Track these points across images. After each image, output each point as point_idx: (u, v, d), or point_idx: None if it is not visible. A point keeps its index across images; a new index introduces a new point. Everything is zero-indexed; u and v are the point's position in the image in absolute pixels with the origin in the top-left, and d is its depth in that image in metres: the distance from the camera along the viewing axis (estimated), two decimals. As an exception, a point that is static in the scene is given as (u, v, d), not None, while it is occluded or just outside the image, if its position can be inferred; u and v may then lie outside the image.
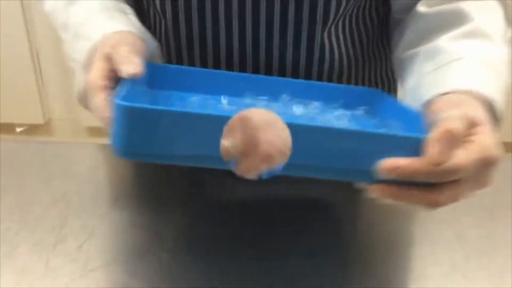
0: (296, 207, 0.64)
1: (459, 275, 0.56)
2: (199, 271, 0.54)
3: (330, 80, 0.66)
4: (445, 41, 0.54)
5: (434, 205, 0.41)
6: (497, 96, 0.48)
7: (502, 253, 0.60)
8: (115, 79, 0.47)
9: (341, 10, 0.60)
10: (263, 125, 0.38)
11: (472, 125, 0.42)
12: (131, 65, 0.45)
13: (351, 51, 0.66)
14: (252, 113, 0.38)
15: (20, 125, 2.09)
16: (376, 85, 0.73)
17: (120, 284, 0.52)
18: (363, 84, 0.71)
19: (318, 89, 0.60)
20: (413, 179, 0.40)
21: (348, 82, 0.68)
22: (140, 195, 0.67)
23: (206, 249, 0.57)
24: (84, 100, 0.53)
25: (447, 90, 0.48)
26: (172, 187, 0.67)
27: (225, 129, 0.38)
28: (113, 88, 0.46)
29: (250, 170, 0.39)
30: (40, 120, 2.08)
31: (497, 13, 0.57)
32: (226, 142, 0.38)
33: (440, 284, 0.54)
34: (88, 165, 0.72)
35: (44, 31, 1.88)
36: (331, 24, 0.61)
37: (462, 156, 0.39)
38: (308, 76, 0.65)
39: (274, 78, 0.61)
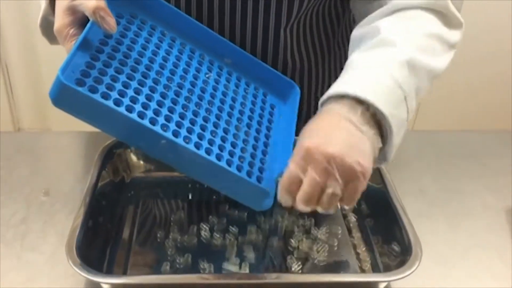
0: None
1: (424, 219, 0.70)
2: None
3: (293, 70, 0.76)
4: (355, 54, 0.59)
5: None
6: (372, 96, 0.52)
7: (456, 201, 0.75)
8: (80, 21, 0.54)
9: (302, 8, 0.70)
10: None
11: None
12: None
13: (311, 48, 0.76)
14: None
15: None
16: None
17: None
18: (324, 77, 0.81)
19: (250, 63, 0.67)
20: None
21: (309, 76, 0.78)
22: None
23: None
24: (45, 27, 0.62)
25: (329, 94, 0.54)
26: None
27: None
28: (79, 24, 0.54)
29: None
30: (10, 129, 2.10)
31: (415, 21, 0.60)
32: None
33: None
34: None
35: (13, 41, 1.92)
36: (294, 21, 0.71)
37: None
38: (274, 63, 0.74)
39: (224, 41, 0.66)
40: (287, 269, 0.62)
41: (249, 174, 0.58)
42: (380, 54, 0.57)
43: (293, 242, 0.65)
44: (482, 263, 0.65)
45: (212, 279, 0.56)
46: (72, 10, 0.54)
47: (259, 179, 0.58)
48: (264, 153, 0.61)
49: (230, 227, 0.66)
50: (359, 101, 0.52)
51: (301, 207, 0.51)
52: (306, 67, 0.78)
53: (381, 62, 0.55)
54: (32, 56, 1.95)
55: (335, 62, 0.82)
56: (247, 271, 0.61)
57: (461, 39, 0.65)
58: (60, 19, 0.54)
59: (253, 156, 0.60)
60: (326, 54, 0.78)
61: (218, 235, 0.65)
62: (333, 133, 0.50)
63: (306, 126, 0.53)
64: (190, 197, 0.72)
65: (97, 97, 0.51)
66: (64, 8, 0.54)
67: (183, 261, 0.61)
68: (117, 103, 0.52)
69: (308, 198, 0.50)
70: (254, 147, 0.61)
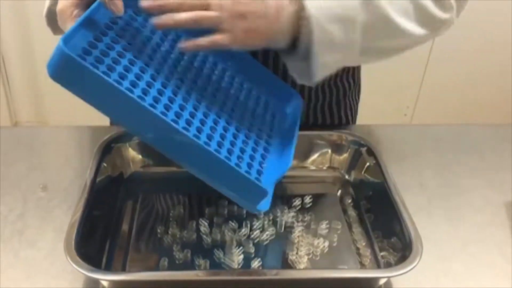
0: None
1: (424, 213, 0.70)
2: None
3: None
4: None
5: (222, 42, 0.54)
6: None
7: (456, 196, 0.74)
8: (85, 3, 0.53)
9: None
10: None
11: None
12: None
13: None
14: None
15: (-13, 129, 2.10)
16: (337, 87, 0.83)
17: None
18: (323, 85, 0.81)
19: (253, 68, 0.67)
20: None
21: None
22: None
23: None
24: (50, 17, 0.61)
25: None
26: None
27: None
28: (84, 6, 0.53)
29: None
30: (7, 123, 2.10)
31: None
32: None
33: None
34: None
35: (10, 34, 1.91)
36: None
37: None
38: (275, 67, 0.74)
39: None
40: (286, 265, 0.61)
41: (249, 168, 0.57)
42: None
43: (292, 237, 0.64)
44: (483, 258, 0.64)
45: (211, 276, 0.56)
46: None
47: (258, 178, 0.58)
48: (263, 157, 0.61)
49: (230, 222, 0.66)
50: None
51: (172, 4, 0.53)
52: None
53: None
54: (29, 49, 1.94)
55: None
56: (247, 267, 0.60)
57: (448, 23, 0.66)
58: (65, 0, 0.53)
59: (252, 158, 0.59)
60: None
61: (217, 231, 0.64)
62: None
63: None
64: (189, 192, 0.71)
65: (101, 69, 0.49)
66: None
67: (182, 256, 0.61)
68: (118, 82, 0.50)
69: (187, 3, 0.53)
70: (254, 150, 0.60)
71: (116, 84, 0.49)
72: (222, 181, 0.55)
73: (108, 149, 0.72)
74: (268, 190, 0.56)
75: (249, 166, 0.58)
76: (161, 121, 0.50)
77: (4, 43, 1.94)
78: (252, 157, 0.59)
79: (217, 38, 0.54)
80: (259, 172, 0.58)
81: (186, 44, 0.55)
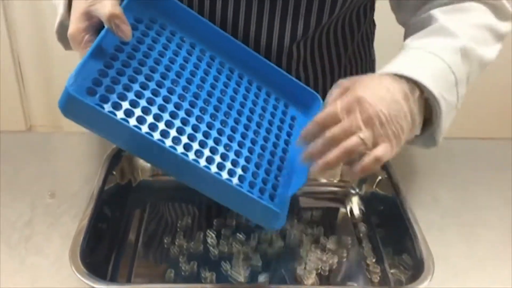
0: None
1: (437, 230, 0.68)
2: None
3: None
4: (410, 39, 0.63)
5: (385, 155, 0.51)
6: (425, 78, 0.54)
7: (470, 212, 0.73)
8: (95, 27, 0.53)
9: (322, 22, 0.68)
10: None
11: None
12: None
13: (326, 61, 0.74)
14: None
15: (2, 132, 2.12)
16: None
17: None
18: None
19: (272, 72, 0.65)
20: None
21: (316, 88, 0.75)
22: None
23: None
24: (61, 33, 0.61)
25: (384, 71, 0.56)
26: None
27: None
28: (94, 30, 0.53)
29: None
30: (22, 127, 2.11)
31: (469, 11, 0.63)
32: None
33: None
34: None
35: (26, 38, 1.93)
36: (309, 35, 0.69)
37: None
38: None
39: (246, 48, 0.64)
40: (294, 280, 0.60)
41: (262, 191, 0.56)
42: (435, 40, 0.60)
43: (301, 251, 0.63)
44: (497, 277, 0.62)
45: (217, 289, 0.55)
46: (88, 16, 0.53)
47: (272, 197, 0.56)
48: (279, 168, 0.59)
49: (238, 234, 0.65)
50: (415, 83, 0.54)
51: (322, 145, 0.51)
52: (320, 78, 0.76)
53: (436, 48, 0.58)
54: (44, 53, 1.95)
55: (346, 75, 0.80)
56: (254, 281, 0.59)
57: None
58: (75, 24, 0.53)
59: (267, 172, 0.58)
60: (336, 69, 0.77)
61: (224, 242, 0.64)
62: (388, 99, 0.52)
63: (363, 78, 0.55)
64: (197, 202, 0.71)
65: (105, 109, 0.50)
66: (80, 13, 0.53)
67: (188, 268, 0.60)
68: (128, 114, 0.51)
69: (335, 137, 0.50)
70: (270, 162, 0.59)
71: (123, 122, 0.50)
72: (235, 206, 0.54)
73: (117, 157, 0.71)
74: (282, 211, 0.55)
75: (264, 182, 0.57)
76: (171, 154, 0.50)
77: (21, 47, 1.96)
78: (267, 172, 0.58)
79: (378, 153, 0.51)
80: (274, 187, 0.57)
81: (315, 169, 0.51)
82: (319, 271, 0.61)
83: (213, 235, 0.64)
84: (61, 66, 1.92)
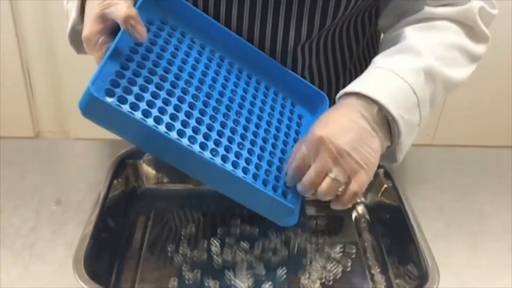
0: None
1: (442, 239, 0.68)
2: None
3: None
4: (378, 57, 0.62)
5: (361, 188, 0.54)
6: (383, 97, 0.55)
7: (475, 221, 0.72)
8: (110, 29, 0.53)
9: (325, 26, 0.68)
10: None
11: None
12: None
13: (331, 65, 0.74)
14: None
15: (9, 138, 2.13)
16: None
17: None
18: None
19: (279, 72, 0.66)
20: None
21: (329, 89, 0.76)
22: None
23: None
24: (73, 37, 0.61)
25: (345, 91, 0.57)
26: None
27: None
28: (109, 32, 0.53)
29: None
30: (30, 133, 2.12)
31: (441, 31, 0.62)
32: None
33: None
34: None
35: (35, 45, 1.94)
36: (313, 38, 0.69)
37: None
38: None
39: (254, 49, 0.65)
40: (298, 289, 0.60)
41: (275, 188, 0.57)
42: (400, 59, 0.59)
43: (305, 260, 0.63)
44: (502, 286, 0.62)
45: (221, 298, 0.54)
46: (103, 18, 0.53)
47: (285, 193, 0.57)
48: None
49: (242, 242, 0.64)
50: (374, 101, 0.55)
51: (303, 189, 0.55)
52: (325, 84, 0.76)
53: (399, 67, 0.58)
54: (53, 60, 1.97)
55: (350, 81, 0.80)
56: (257, 289, 0.59)
57: (486, 52, 0.67)
58: (90, 27, 0.53)
59: (279, 169, 0.58)
60: (341, 73, 0.77)
61: (228, 251, 0.63)
62: (347, 127, 0.54)
63: (322, 115, 0.57)
64: (202, 210, 0.71)
65: (125, 109, 0.51)
66: (95, 15, 0.53)
67: (192, 277, 0.60)
68: (146, 114, 0.52)
69: (312, 182, 0.54)
70: (281, 160, 0.60)
71: (143, 121, 0.51)
72: (249, 202, 0.56)
73: (122, 164, 0.71)
74: (295, 207, 0.56)
75: (277, 179, 0.58)
76: (188, 151, 0.51)
77: (30, 54, 1.97)
78: (279, 170, 0.59)
79: (354, 188, 0.53)
80: (284, 193, 0.58)
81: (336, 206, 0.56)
82: (323, 280, 0.61)
83: (217, 244, 0.64)
84: (69, 73, 1.93)
